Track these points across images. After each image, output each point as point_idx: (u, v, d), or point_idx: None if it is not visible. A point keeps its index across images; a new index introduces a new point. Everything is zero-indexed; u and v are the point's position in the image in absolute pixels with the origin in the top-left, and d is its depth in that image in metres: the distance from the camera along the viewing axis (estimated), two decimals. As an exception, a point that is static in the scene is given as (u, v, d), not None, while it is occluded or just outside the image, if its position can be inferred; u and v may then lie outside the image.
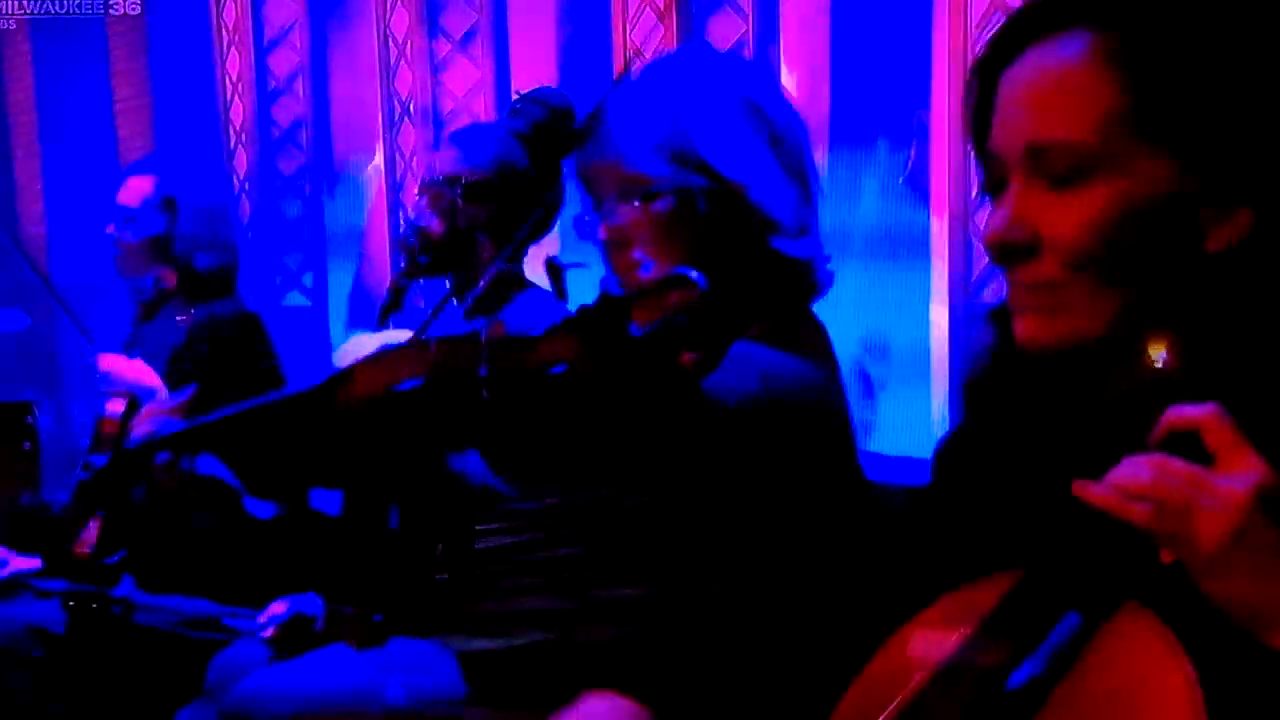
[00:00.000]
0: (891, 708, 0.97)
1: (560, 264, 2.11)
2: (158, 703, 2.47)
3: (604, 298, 1.31)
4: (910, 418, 3.15)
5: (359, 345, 1.79)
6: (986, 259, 2.95)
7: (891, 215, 3.19)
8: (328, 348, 3.85)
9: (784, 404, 1.52)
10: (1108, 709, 0.91)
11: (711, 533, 1.48)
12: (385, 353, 1.33)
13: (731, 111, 1.62)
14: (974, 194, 3.01)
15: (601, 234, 1.66)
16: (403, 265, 2.43)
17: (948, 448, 1.30)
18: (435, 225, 2.27)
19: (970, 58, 2.97)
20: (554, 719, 1.24)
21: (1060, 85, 1.02)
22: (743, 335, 1.61)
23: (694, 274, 1.34)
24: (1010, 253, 1.04)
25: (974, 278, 3.03)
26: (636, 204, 1.61)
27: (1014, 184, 1.04)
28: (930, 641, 1.00)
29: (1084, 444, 1.12)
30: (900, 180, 3.14)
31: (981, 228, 3.03)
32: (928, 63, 3.09)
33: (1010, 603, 0.97)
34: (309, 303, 3.97)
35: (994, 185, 1.08)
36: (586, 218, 1.69)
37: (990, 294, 3.02)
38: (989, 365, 1.21)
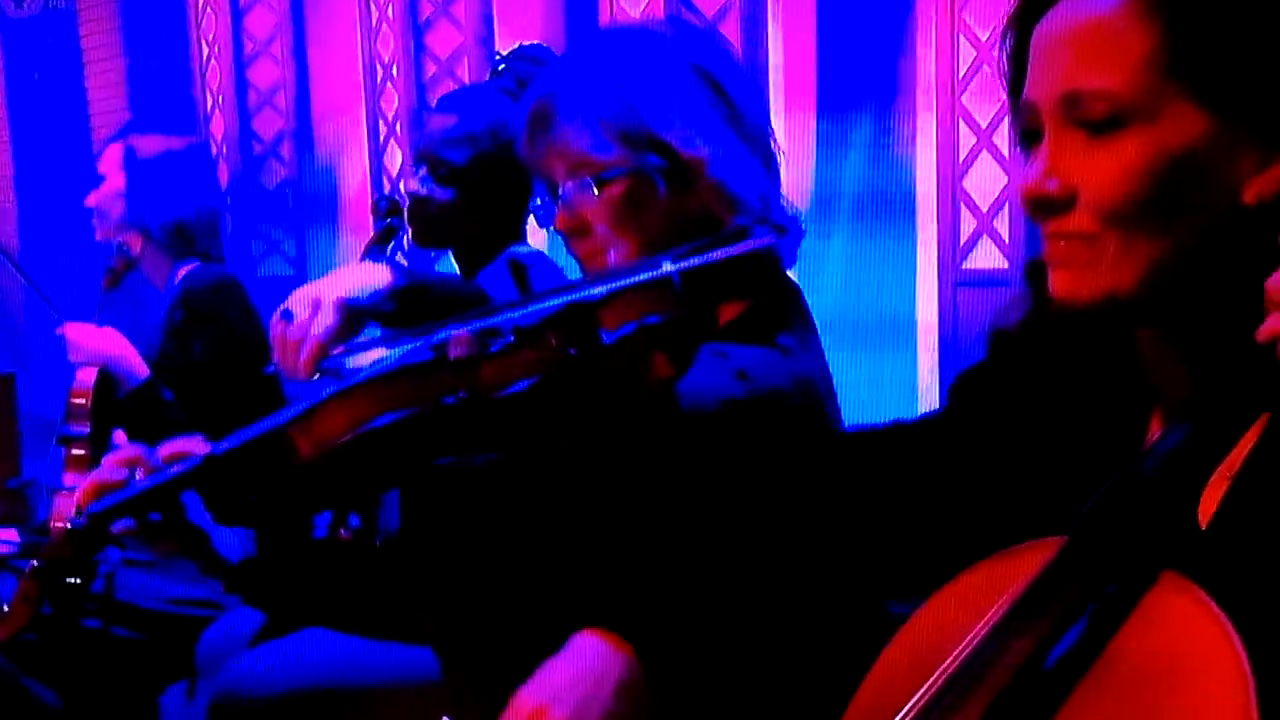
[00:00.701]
0: (930, 682, 0.95)
1: (522, 260, 2.07)
2: (145, 681, 2.44)
3: (571, 305, 1.27)
4: (895, 383, 3.15)
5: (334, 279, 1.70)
6: (974, 223, 2.98)
7: (879, 180, 3.17)
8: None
9: (762, 401, 1.48)
10: (1151, 681, 0.89)
11: (696, 528, 1.45)
12: (353, 390, 1.29)
13: (682, 83, 1.56)
14: (961, 158, 3.01)
15: (559, 222, 1.60)
16: (377, 231, 2.38)
17: (969, 379, 1.28)
18: (439, 194, 2.21)
19: (956, 20, 2.95)
20: (547, 662, 1.22)
21: (1097, 33, 0.99)
22: (714, 319, 1.57)
23: (669, 266, 1.29)
24: (1045, 205, 1.02)
25: (961, 242, 3.02)
26: (591, 189, 1.54)
27: (1048, 135, 1.03)
28: (967, 614, 0.98)
29: (1118, 406, 1.10)
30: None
31: (969, 192, 3.03)
32: (914, 27, 3.07)
33: (1050, 573, 0.96)
34: (292, 271, 3.92)
35: (1028, 136, 1.06)
36: (543, 204, 1.64)
37: (978, 258, 3.02)
38: (1022, 318, 1.19)
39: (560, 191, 1.57)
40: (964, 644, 0.95)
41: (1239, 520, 0.97)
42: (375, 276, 1.68)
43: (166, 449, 1.41)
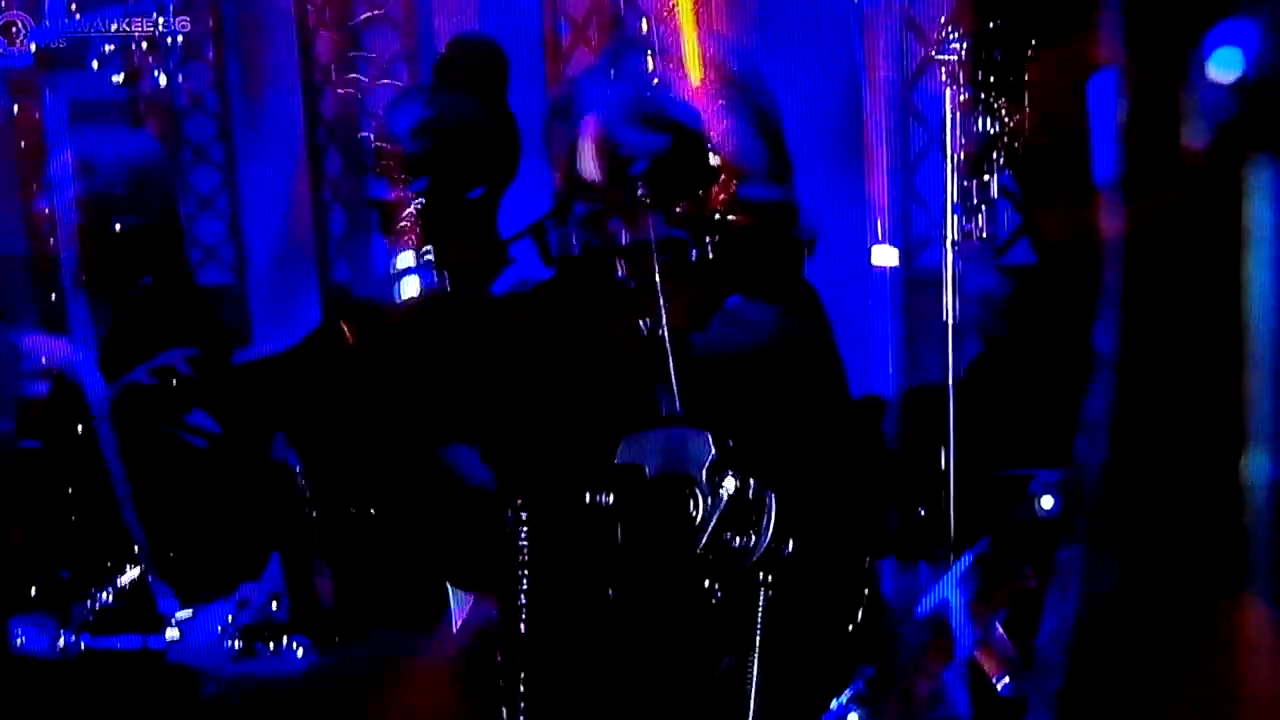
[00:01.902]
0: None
1: (547, 225, 2.07)
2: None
3: (593, 251, 1.32)
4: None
5: None
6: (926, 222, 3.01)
7: (829, 180, 3.19)
8: (249, 324, 3.76)
9: (778, 356, 1.55)
10: (1229, 697, 0.88)
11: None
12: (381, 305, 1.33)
13: (711, 83, 1.66)
14: (913, 155, 3.03)
15: (581, 206, 1.66)
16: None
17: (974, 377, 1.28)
18: (405, 194, 2.20)
19: (902, 22, 2.98)
20: None
21: None
22: (733, 293, 1.64)
23: (681, 234, 1.36)
24: None
25: (914, 241, 3.05)
26: (621, 171, 1.63)
27: None
28: None
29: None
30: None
31: (923, 193, 3.06)
32: (859, 30, 3.09)
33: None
34: (231, 278, 3.86)
35: None
36: (566, 190, 1.71)
37: (930, 257, 3.04)
38: (1013, 324, 1.20)
39: (582, 175, 1.63)
40: None
41: None
42: None
43: None
